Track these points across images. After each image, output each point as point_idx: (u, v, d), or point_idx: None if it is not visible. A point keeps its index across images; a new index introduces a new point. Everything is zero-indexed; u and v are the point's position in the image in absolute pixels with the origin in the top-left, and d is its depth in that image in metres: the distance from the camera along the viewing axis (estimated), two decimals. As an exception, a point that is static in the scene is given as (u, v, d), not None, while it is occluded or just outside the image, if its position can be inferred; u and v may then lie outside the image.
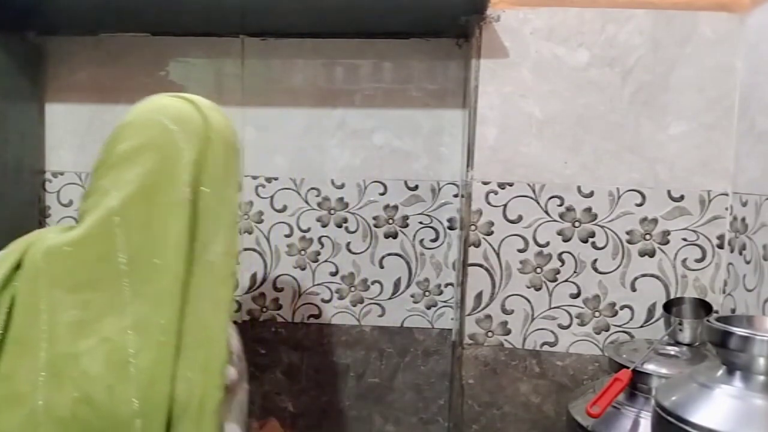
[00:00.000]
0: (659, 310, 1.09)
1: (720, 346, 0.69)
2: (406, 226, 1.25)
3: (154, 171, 0.72)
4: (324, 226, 1.27)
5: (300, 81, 1.25)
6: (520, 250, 1.11)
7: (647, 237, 1.09)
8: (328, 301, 1.28)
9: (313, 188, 1.26)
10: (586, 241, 1.10)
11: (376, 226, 1.26)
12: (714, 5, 1.06)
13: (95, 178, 0.74)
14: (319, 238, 1.27)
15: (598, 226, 1.10)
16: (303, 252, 1.27)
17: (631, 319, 1.11)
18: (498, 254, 1.12)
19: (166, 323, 0.68)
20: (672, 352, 0.96)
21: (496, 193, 1.11)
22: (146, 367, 0.67)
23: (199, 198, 0.73)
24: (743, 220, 1.01)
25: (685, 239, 1.09)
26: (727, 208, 1.07)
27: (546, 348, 1.13)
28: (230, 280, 0.74)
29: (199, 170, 0.74)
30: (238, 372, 0.73)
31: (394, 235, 1.26)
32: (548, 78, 1.09)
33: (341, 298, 1.28)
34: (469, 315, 1.13)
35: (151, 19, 1.19)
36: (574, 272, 1.11)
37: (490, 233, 1.12)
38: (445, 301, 1.26)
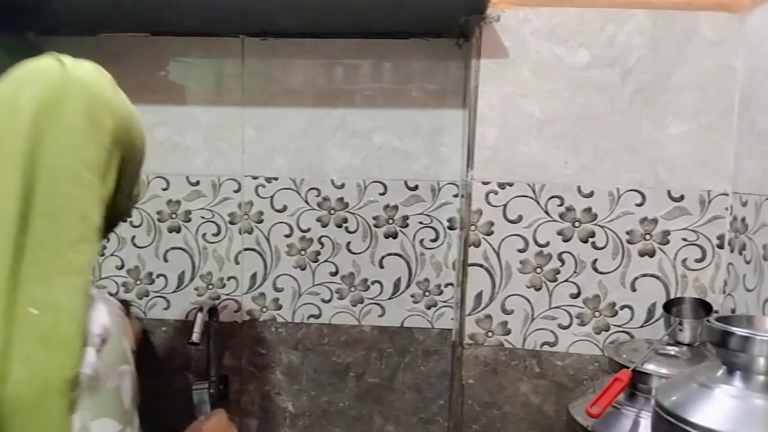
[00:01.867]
0: (659, 310, 1.09)
1: (720, 346, 0.69)
2: (406, 226, 1.25)
3: None
4: (324, 226, 1.27)
5: (300, 81, 1.25)
6: (520, 250, 1.12)
7: (647, 237, 1.09)
8: (328, 301, 1.28)
9: (313, 188, 1.26)
10: (586, 241, 1.10)
11: (376, 226, 1.26)
12: (714, 5, 1.05)
13: None
14: (319, 238, 1.27)
15: (598, 226, 1.10)
16: (303, 252, 1.27)
17: (631, 319, 1.11)
18: (498, 254, 1.12)
19: None
20: (672, 352, 0.96)
21: (496, 193, 1.11)
22: None
23: (43, 149, 0.64)
24: (743, 220, 1.01)
25: (685, 239, 1.09)
26: (727, 208, 1.07)
27: (546, 348, 1.13)
28: (84, 245, 0.64)
29: (48, 122, 0.65)
30: (109, 356, 0.62)
31: (394, 235, 1.26)
32: (548, 78, 1.09)
33: (341, 298, 1.28)
34: (469, 315, 1.13)
35: (151, 19, 1.19)
36: (574, 272, 1.11)
37: (490, 233, 1.12)
38: (445, 301, 1.26)
